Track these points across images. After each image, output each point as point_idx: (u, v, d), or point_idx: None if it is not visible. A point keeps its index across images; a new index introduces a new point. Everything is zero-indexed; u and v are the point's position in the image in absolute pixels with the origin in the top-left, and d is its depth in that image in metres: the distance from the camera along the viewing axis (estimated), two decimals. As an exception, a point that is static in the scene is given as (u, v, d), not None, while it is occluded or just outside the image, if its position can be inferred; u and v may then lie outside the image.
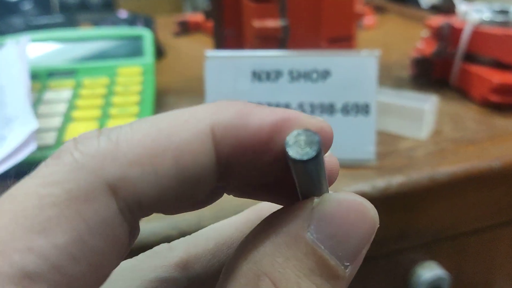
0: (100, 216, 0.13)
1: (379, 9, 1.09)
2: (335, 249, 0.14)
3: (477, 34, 0.56)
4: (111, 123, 0.48)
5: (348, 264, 0.14)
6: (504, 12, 0.56)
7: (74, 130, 0.46)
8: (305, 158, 0.14)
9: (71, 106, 0.49)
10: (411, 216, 0.43)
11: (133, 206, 0.13)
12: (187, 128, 0.14)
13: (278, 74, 0.42)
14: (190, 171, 0.13)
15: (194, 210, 0.17)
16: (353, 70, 0.42)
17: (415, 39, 0.83)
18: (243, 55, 0.43)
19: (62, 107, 0.49)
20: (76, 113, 0.48)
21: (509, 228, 0.49)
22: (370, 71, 0.41)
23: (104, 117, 0.48)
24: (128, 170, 0.13)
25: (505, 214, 0.48)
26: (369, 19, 0.98)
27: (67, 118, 0.48)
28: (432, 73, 0.62)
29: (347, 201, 0.15)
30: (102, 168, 0.13)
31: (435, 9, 0.98)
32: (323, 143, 0.15)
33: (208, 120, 0.14)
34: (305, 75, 0.42)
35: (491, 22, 0.56)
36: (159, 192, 0.13)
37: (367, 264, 0.45)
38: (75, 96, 0.51)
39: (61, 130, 0.46)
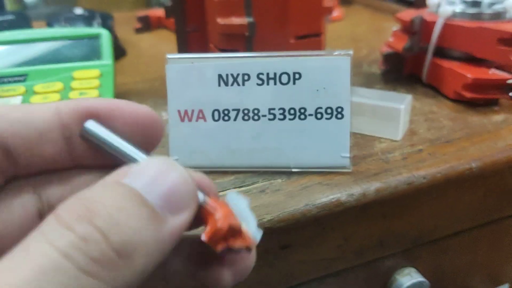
0: None
1: (344, 0, 1.07)
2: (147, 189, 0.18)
3: (449, 27, 0.54)
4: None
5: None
6: (476, 3, 0.54)
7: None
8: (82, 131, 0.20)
9: (21, 116, 0.45)
10: (390, 223, 0.41)
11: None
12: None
13: (246, 77, 0.39)
14: (33, 125, 0.20)
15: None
16: (326, 71, 0.39)
17: (383, 32, 0.82)
18: (208, 57, 0.40)
19: (11, 117, 0.45)
20: (26, 124, 0.44)
21: (489, 228, 0.48)
22: (343, 71, 0.39)
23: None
24: None
25: (485, 215, 0.46)
26: (335, 11, 0.96)
27: (17, 130, 0.44)
28: (404, 68, 0.60)
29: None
30: None
31: (402, 0, 0.97)
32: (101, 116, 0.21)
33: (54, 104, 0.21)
34: (275, 78, 0.39)
35: (463, 14, 0.54)
36: (12, 134, 0.19)
37: (346, 274, 0.43)
38: (26, 104, 0.47)
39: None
